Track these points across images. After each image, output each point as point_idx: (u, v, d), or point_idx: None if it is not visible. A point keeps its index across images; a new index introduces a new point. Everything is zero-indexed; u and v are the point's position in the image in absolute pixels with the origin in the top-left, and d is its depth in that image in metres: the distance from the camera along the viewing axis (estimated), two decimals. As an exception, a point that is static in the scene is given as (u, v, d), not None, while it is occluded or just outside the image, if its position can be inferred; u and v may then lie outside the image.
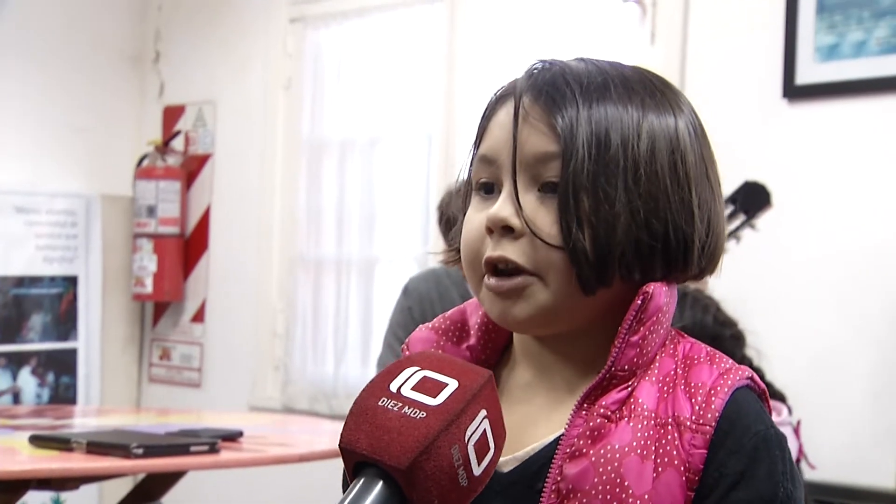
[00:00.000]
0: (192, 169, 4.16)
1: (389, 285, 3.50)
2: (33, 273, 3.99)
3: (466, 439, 0.75)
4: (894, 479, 2.56)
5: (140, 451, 2.13)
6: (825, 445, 2.51)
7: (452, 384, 0.77)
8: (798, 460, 2.09)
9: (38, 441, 2.28)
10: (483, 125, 0.91)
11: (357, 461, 0.76)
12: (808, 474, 2.17)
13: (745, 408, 0.85)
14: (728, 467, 0.83)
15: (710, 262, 0.90)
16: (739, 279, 2.35)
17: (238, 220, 4.03)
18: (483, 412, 0.76)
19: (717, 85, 2.92)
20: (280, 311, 3.89)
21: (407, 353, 0.93)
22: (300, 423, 2.98)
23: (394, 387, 0.77)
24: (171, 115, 4.25)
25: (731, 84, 2.89)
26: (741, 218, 2.36)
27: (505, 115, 0.88)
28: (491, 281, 0.87)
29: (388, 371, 0.78)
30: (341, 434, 0.76)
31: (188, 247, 4.15)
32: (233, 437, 2.42)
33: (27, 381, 3.98)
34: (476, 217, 0.88)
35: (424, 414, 0.75)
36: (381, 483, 0.74)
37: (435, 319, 0.95)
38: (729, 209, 2.34)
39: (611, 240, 0.84)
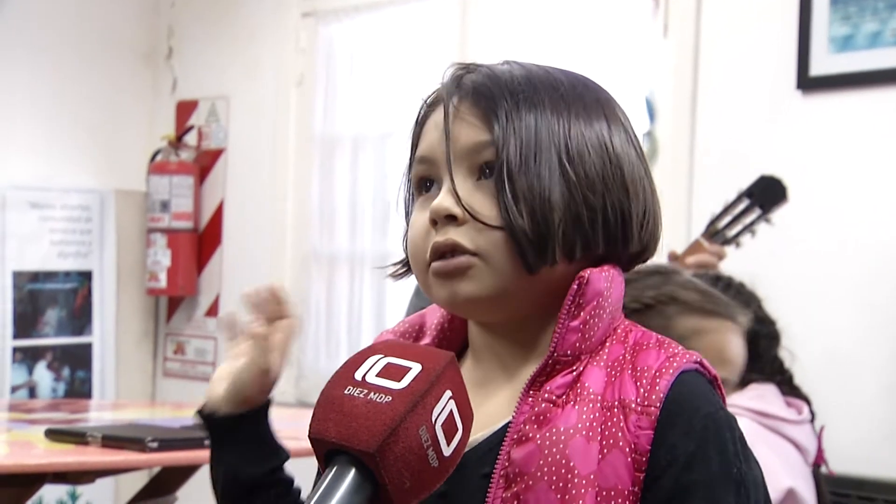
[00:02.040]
0: (205, 164, 4.17)
1: (402, 280, 3.50)
2: (48, 268, 4.01)
3: (433, 420, 0.76)
4: (910, 471, 2.55)
5: (155, 444, 2.14)
6: (839, 438, 2.50)
7: (416, 367, 0.78)
8: (818, 465, 2.08)
9: (53, 435, 2.29)
10: (417, 132, 0.95)
11: (328, 450, 0.77)
12: (823, 468, 2.16)
13: (692, 389, 0.87)
14: (679, 449, 0.84)
15: (650, 240, 0.93)
16: (751, 272, 2.34)
17: (251, 214, 4.04)
18: (448, 393, 0.78)
19: (731, 77, 2.90)
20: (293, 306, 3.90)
21: None
22: (314, 417, 2.98)
23: (358, 375, 0.78)
24: (184, 110, 4.26)
25: (745, 76, 2.88)
26: (757, 212, 2.32)
27: (438, 116, 0.93)
28: (435, 264, 0.90)
29: (352, 361, 0.80)
30: (310, 425, 0.78)
31: (202, 241, 4.16)
32: (247, 430, 2.43)
33: (43, 375, 4.00)
34: (420, 216, 0.94)
35: (390, 398, 0.75)
36: (353, 470, 0.75)
37: (396, 324, 1.01)
38: (745, 203, 2.31)
39: (548, 216, 0.87)
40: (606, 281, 0.90)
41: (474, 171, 0.90)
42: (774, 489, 1.92)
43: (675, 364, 0.87)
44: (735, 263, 2.33)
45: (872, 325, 2.63)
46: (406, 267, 0.99)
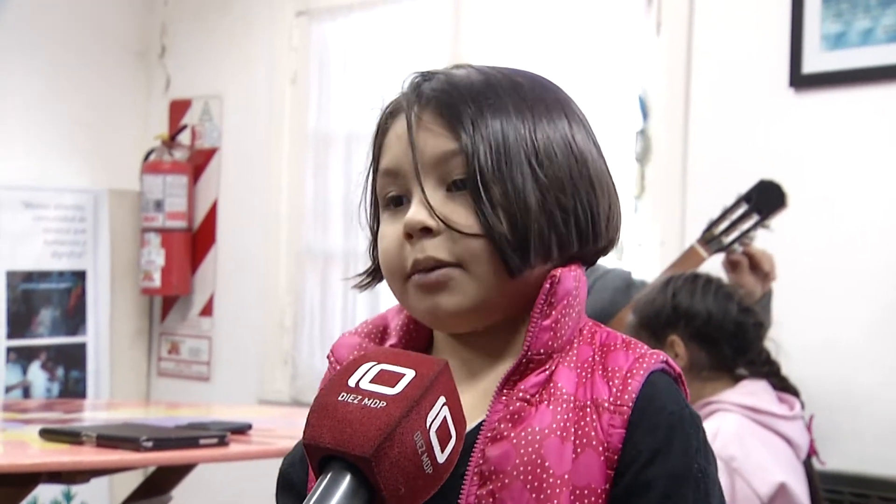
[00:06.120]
0: (198, 163, 4.17)
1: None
2: (42, 268, 4.00)
3: (428, 426, 0.76)
4: (903, 467, 2.56)
5: (150, 444, 2.14)
6: (834, 436, 2.51)
7: (409, 374, 0.77)
8: (810, 455, 2.09)
9: (48, 434, 2.29)
10: (379, 142, 0.95)
11: (322, 456, 0.77)
12: (819, 465, 2.17)
13: (660, 389, 0.89)
14: (644, 445, 0.86)
15: (615, 234, 0.95)
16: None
17: (245, 213, 4.04)
18: (442, 399, 0.78)
19: (724, 74, 2.91)
20: (288, 304, 3.90)
21: (331, 358, 0.97)
22: (309, 416, 2.98)
23: (352, 382, 0.78)
24: (178, 109, 4.26)
25: (738, 73, 2.89)
26: (755, 218, 2.28)
27: (400, 127, 0.92)
28: (416, 277, 0.91)
29: (345, 369, 0.79)
30: (304, 431, 0.77)
31: (196, 241, 4.16)
32: (242, 429, 2.43)
33: (37, 375, 3.99)
34: (391, 229, 0.92)
35: (384, 403, 0.75)
36: (348, 475, 0.75)
37: (358, 325, 1.00)
38: (743, 208, 2.28)
39: (527, 220, 0.88)
40: (575, 280, 0.91)
41: (444, 181, 0.90)
42: (767, 484, 1.93)
43: (644, 364, 0.89)
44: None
45: (871, 321, 2.64)
46: (371, 277, 0.98)
